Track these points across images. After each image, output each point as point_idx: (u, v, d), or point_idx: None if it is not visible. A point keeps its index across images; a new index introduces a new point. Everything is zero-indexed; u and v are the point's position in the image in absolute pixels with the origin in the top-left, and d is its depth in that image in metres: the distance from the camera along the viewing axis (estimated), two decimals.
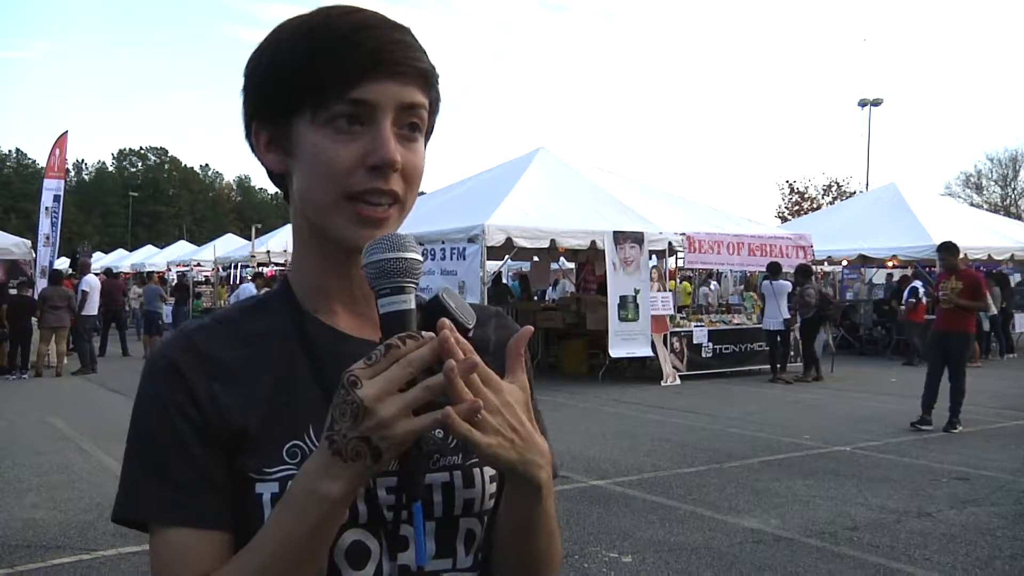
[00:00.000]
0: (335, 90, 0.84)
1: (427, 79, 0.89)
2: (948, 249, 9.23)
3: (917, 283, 16.78)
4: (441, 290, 0.86)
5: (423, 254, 0.84)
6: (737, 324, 14.55)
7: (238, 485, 0.85)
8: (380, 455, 0.73)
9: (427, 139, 0.94)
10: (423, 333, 0.76)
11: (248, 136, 0.94)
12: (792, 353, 14.00)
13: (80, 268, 17.14)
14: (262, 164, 0.94)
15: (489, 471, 0.94)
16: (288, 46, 0.87)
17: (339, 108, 0.84)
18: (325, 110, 0.85)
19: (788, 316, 13.21)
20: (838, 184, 44.23)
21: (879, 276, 21.29)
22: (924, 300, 15.75)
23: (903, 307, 16.40)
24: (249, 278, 21.47)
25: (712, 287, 20.70)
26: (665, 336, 13.03)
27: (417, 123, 0.89)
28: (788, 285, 13.44)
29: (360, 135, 0.85)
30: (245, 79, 0.92)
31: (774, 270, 13.62)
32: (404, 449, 0.75)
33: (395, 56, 0.85)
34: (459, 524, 0.92)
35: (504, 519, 0.89)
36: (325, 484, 0.74)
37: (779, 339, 13.53)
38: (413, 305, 0.79)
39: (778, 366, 13.40)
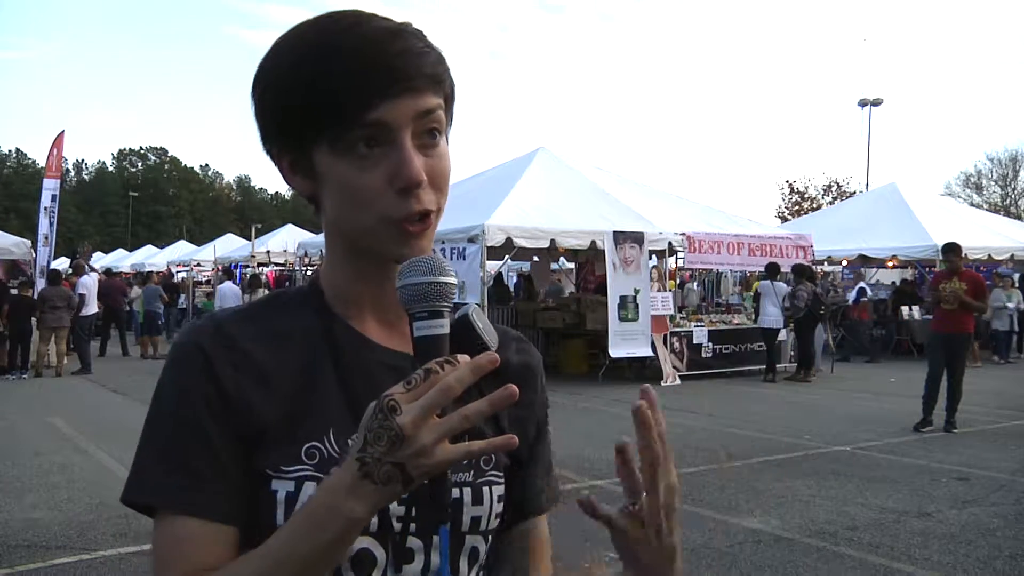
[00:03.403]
0: (349, 118, 0.82)
1: (440, 79, 0.87)
2: (954, 250, 9.25)
3: (864, 284, 17.78)
4: (471, 309, 0.85)
5: None
6: (737, 324, 14.55)
7: (254, 481, 0.85)
8: (412, 481, 0.73)
9: (448, 127, 0.91)
10: (458, 357, 0.74)
11: (268, 155, 0.92)
12: (791, 353, 14.04)
13: (75, 269, 17.15)
14: (290, 186, 0.93)
15: (498, 490, 0.94)
16: (291, 73, 0.84)
17: (356, 133, 0.83)
18: (342, 139, 0.83)
19: (781, 316, 13.27)
20: (838, 184, 44.27)
21: (881, 276, 21.30)
22: (868, 300, 16.96)
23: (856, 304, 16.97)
24: (225, 277, 21.24)
25: (695, 287, 20.64)
26: (665, 336, 13.03)
27: (437, 128, 0.87)
28: (784, 287, 13.48)
29: (382, 157, 0.84)
30: (254, 103, 0.89)
31: (772, 270, 13.65)
32: (435, 475, 0.75)
33: (405, 71, 0.83)
34: (465, 541, 0.91)
35: None
36: (350, 504, 0.73)
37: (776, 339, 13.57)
38: (448, 330, 0.79)
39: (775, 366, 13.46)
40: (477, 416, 0.72)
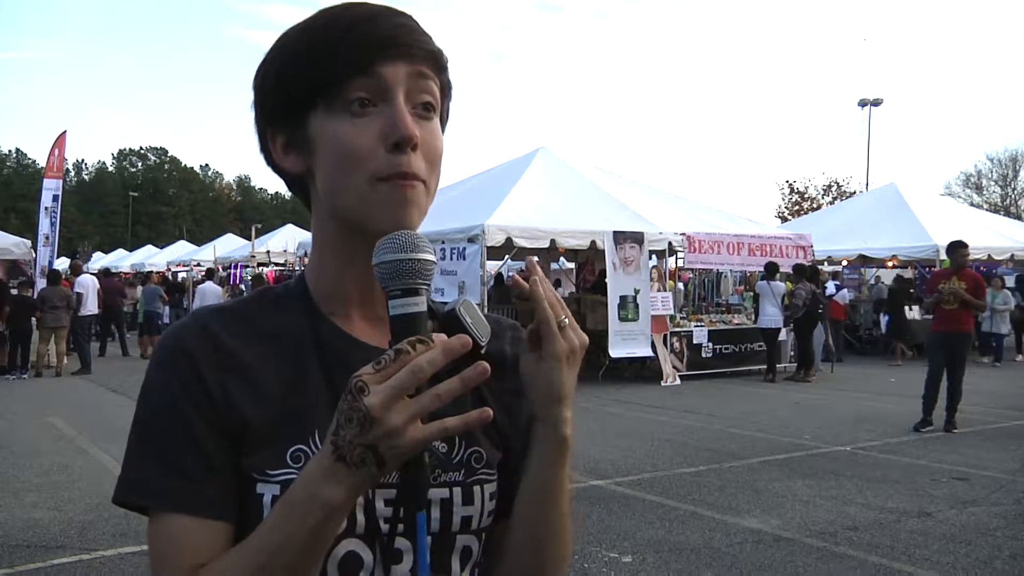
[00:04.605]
0: (345, 74, 0.84)
1: (437, 60, 0.89)
2: (959, 248, 9.26)
3: (834, 283, 17.99)
4: (460, 303, 0.84)
5: None
6: (737, 324, 14.56)
7: (241, 481, 0.85)
8: (385, 463, 0.72)
9: (443, 124, 0.93)
10: (433, 336, 0.74)
11: (263, 148, 0.93)
12: (791, 353, 14.04)
13: (72, 269, 17.15)
14: (281, 171, 0.93)
15: (490, 488, 0.93)
16: (293, 49, 0.87)
17: (351, 90, 0.84)
18: (338, 96, 0.84)
19: (780, 316, 13.28)
20: (838, 184, 44.29)
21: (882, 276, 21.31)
22: (842, 300, 17.32)
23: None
24: (206, 276, 21.28)
25: (681, 286, 20.64)
26: (665, 336, 13.04)
27: (431, 102, 0.88)
28: (782, 286, 13.48)
29: (376, 115, 0.85)
30: (255, 90, 0.91)
31: (771, 270, 13.67)
32: (409, 457, 0.74)
33: (402, 39, 0.85)
34: (456, 541, 0.91)
35: (526, 488, 0.91)
36: (327, 489, 0.73)
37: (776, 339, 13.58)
38: (424, 308, 0.77)
39: (776, 366, 13.46)
40: (449, 395, 0.71)
